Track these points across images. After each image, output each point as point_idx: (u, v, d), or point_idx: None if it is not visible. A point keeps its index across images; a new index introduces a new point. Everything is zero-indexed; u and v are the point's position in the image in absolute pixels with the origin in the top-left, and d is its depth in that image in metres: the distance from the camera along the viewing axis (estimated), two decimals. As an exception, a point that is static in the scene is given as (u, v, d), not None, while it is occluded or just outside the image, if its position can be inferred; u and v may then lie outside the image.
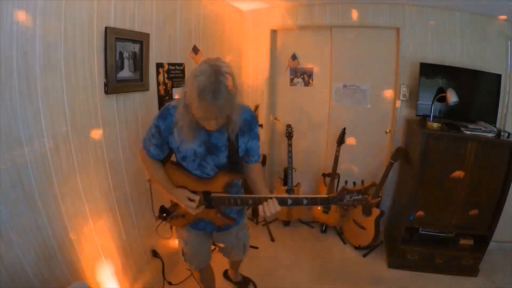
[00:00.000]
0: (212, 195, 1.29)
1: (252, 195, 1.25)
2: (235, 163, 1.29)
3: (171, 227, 1.60)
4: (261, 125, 2.87)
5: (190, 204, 1.28)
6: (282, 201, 1.20)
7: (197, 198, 1.28)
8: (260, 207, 1.20)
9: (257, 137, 1.34)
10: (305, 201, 1.20)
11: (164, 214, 1.45)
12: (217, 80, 0.97)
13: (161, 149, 1.33)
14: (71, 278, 1.45)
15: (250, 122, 1.28)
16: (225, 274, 2.20)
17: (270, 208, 1.18)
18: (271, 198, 1.19)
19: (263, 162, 3.04)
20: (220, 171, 1.29)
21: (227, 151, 1.27)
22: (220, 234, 1.54)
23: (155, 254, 2.06)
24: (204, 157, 1.27)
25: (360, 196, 1.19)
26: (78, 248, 1.49)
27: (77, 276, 1.49)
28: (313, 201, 1.20)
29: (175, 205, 1.45)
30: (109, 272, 1.69)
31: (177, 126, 1.18)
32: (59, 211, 1.38)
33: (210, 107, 0.99)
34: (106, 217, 1.67)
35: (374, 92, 2.88)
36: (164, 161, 1.41)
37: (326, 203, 1.21)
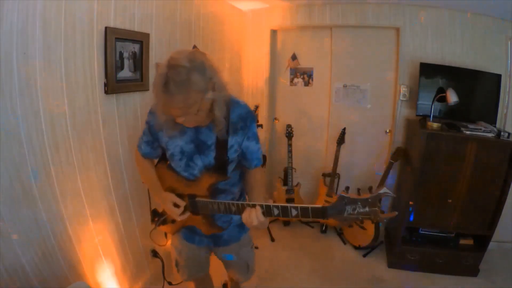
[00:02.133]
0: (196, 199, 1.17)
1: (235, 202, 1.11)
2: (223, 164, 1.16)
3: (165, 233, 1.47)
4: (260, 125, 2.86)
5: (174, 210, 1.17)
6: (267, 211, 1.04)
7: (182, 204, 1.18)
8: (243, 216, 1.07)
9: (255, 137, 1.19)
10: (294, 212, 1.00)
11: (156, 218, 1.35)
12: (167, 74, 0.90)
13: (152, 146, 1.25)
14: (71, 278, 1.45)
15: (245, 118, 1.14)
16: None
17: (252, 218, 1.04)
18: (254, 205, 1.05)
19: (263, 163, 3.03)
20: (206, 172, 1.16)
21: (216, 151, 1.15)
22: (219, 249, 1.37)
23: (155, 254, 2.06)
24: (191, 156, 1.16)
25: (366, 209, 0.92)
26: (78, 248, 1.49)
27: (77, 276, 1.49)
28: (304, 213, 0.99)
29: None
30: (109, 272, 1.69)
31: (160, 121, 1.09)
32: (59, 211, 1.38)
33: (162, 102, 0.94)
34: (106, 217, 1.67)
35: (374, 92, 2.88)
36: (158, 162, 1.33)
37: (320, 216, 0.98)
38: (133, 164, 1.82)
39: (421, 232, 2.44)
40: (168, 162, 1.26)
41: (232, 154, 1.15)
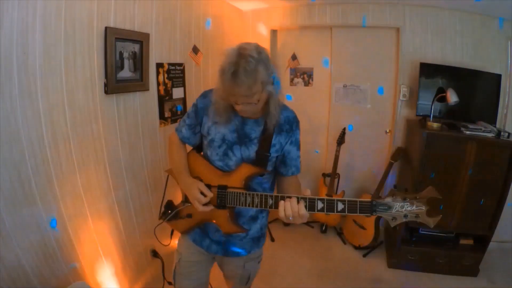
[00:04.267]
0: (228, 189, 1.11)
1: (274, 194, 1.05)
2: (264, 160, 1.12)
3: (171, 232, 1.36)
4: None
5: (199, 197, 1.10)
6: (311, 205, 0.98)
7: (210, 194, 1.11)
8: (281, 204, 1.00)
9: (297, 144, 1.18)
10: (340, 206, 0.95)
11: (169, 211, 1.25)
12: (237, 62, 0.94)
13: (193, 131, 1.22)
14: (71, 278, 1.45)
15: (292, 122, 1.17)
16: None
17: (286, 209, 0.98)
18: (297, 197, 0.99)
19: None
20: (243, 163, 1.13)
21: (258, 145, 1.12)
22: (226, 259, 1.30)
23: (155, 254, 2.06)
24: (232, 145, 1.13)
25: (414, 207, 0.90)
26: (78, 248, 1.49)
27: (77, 276, 1.49)
28: (351, 207, 0.94)
29: (184, 202, 1.25)
30: (109, 272, 1.69)
31: (212, 106, 1.13)
32: (59, 211, 1.38)
33: (228, 88, 0.98)
34: (106, 217, 1.67)
35: (374, 92, 2.88)
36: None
37: (368, 211, 0.93)
38: (133, 164, 1.83)
39: (421, 232, 2.44)
40: (202, 153, 1.25)
41: (274, 153, 1.14)
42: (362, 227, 2.60)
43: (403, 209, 0.91)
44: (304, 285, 2.24)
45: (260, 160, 1.13)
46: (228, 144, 1.14)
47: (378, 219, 2.54)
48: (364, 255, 2.57)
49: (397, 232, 2.43)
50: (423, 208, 0.90)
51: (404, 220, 0.92)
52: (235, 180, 1.12)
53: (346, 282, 2.27)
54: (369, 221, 2.56)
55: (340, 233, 2.87)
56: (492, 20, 2.43)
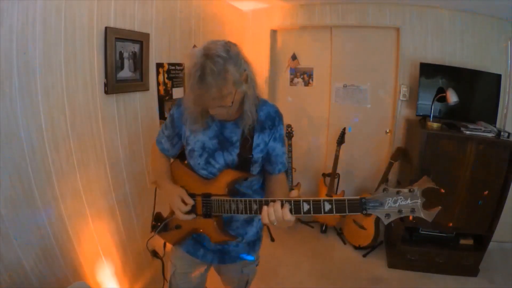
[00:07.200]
0: (212, 197, 1.06)
1: (258, 198, 1.00)
2: (246, 163, 1.08)
3: (164, 245, 1.33)
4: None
5: (179, 205, 1.07)
6: (296, 208, 0.93)
7: (191, 202, 1.08)
8: (264, 210, 0.95)
9: (281, 140, 1.12)
10: (327, 207, 0.89)
11: (159, 224, 1.21)
12: (202, 64, 0.87)
13: (172, 142, 1.18)
14: (71, 278, 1.45)
15: (273, 118, 1.09)
16: None
17: (277, 214, 0.93)
18: (282, 201, 0.94)
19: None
20: (224, 169, 1.08)
21: (239, 147, 1.07)
22: (223, 266, 1.27)
23: (155, 254, 2.06)
24: (213, 152, 1.08)
25: (408, 201, 0.83)
26: (78, 248, 1.49)
27: (77, 276, 1.49)
28: (339, 207, 0.88)
29: (172, 213, 1.20)
30: (109, 272, 1.69)
31: (185, 113, 1.07)
32: (59, 211, 1.38)
33: (197, 92, 0.91)
34: (106, 217, 1.67)
35: (374, 92, 2.88)
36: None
37: (359, 210, 0.87)
38: (133, 164, 1.83)
39: (421, 232, 2.44)
40: (186, 161, 1.19)
41: (257, 154, 1.08)
42: (362, 227, 2.60)
43: (396, 204, 0.84)
44: (304, 285, 2.24)
45: (242, 163, 1.07)
46: (209, 152, 1.09)
47: (378, 218, 2.54)
48: (364, 255, 2.57)
49: (397, 232, 2.43)
50: (419, 201, 0.83)
51: (399, 216, 0.85)
52: (218, 187, 1.07)
53: (346, 282, 2.27)
54: (369, 221, 2.56)
55: (340, 233, 2.87)
56: (492, 20, 2.43)
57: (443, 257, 2.32)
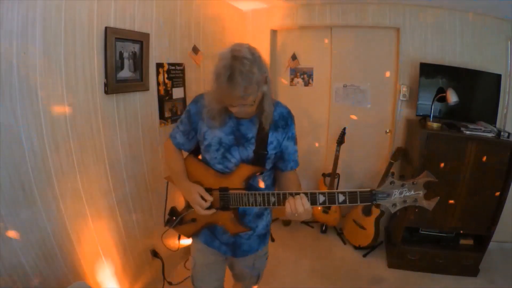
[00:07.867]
0: (230, 191, 1.13)
1: (275, 191, 1.08)
2: (262, 158, 1.14)
3: (178, 238, 1.38)
4: None
5: (200, 202, 1.14)
6: (312, 199, 1.02)
7: (210, 198, 1.15)
8: (287, 204, 1.03)
9: (294, 139, 1.20)
10: (341, 198, 0.99)
11: (174, 218, 1.27)
12: (232, 65, 0.95)
13: (187, 137, 1.23)
14: (71, 278, 1.45)
15: (286, 118, 1.19)
16: None
17: (297, 206, 1.01)
18: (298, 194, 1.03)
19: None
20: (241, 164, 1.14)
21: (255, 144, 1.14)
22: (236, 260, 1.34)
23: (155, 254, 2.06)
24: (229, 147, 1.14)
25: (412, 192, 0.95)
26: (78, 248, 1.49)
27: (77, 276, 1.49)
28: (352, 198, 0.98)
29: (188, 207, 1.27)
30: (109, 272, 1.69)
31: (206, 110, 1.12)
32: (59, 211, 1.38)
33: (225, 91, 0.97)
34: (106, 217, 1.67)
35: (374, 92, 2.88)
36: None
37: (369, 200, 0.97)
38: (133, 164, 1.83)
39: (421, 232, 2.44)
40: (200, 156, 1.26)
41: (271, 151, 1.15)
42: (362, 227, 2.60)
43: (401, 195, 0.96)
44: (304, 285, 2.24)
45: (258, 159, 1.14)
46: (225, 147, 1.15)
47: (378, 218, 2.54)
48: (364, 255, 2.57)
49: (397, 232, 2.43)
50: (421, 192, 0.95)
51: (404, 205, 0.97)
52: (235, 181, 1.14)
53: (346, 282, 2.27)
54: (369, 221, 2.56)
55: (340, 233, 2.87)
56: (492, 20, 2.43)
57: (443, 257, 2.32)
